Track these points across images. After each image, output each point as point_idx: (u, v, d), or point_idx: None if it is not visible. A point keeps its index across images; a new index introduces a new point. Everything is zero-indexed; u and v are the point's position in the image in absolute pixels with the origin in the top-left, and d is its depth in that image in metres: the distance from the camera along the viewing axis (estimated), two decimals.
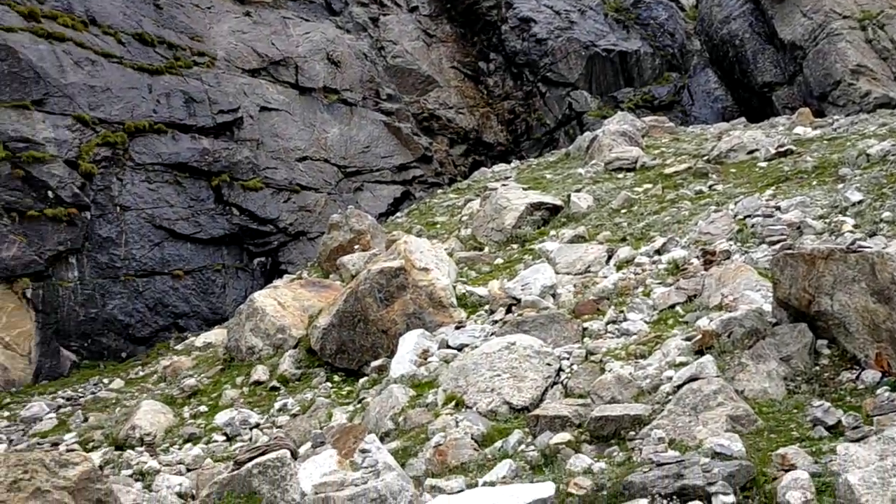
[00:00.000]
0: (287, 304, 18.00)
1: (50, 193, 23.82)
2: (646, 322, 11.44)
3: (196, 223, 27.11)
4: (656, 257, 14.30)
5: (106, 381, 20.97)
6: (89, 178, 25.12)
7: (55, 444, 14.12)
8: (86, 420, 16.49)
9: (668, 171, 21.13)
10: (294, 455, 8.92)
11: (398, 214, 30.92)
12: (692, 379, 8.31)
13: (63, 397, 19.60)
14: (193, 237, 26.93)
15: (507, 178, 27.85)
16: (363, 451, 8.40)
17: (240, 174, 28.64)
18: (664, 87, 38.78)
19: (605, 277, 14.08)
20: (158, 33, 29.83)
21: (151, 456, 12.80)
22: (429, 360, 12.59)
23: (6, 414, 18.72)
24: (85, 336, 23.80)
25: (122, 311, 24.63)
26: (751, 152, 21.07)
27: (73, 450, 12.81)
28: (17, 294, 22.49)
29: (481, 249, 19.27)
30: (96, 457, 12.45)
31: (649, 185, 20.24)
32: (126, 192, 25.97)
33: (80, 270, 24.28)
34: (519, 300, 13.64)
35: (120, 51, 28.10)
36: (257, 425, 13.68)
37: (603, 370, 9.99)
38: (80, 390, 20.35)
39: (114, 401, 18.10)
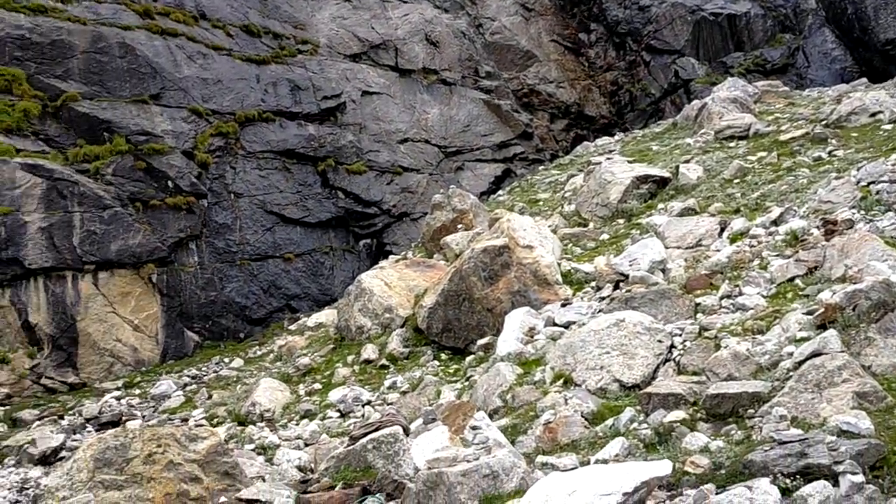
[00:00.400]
0: (393, 285, 18.33)
1: (170, 183, 25.11)
2: (763, 296, 10.97)
3: (304, 207, 27.98)
4: (773, 228, 13.67)
5: (226, 360, 22.03)
6: (205, 167, 26.32)
7: (184, 420, 14.95)
8: (210, 397, 17.40)
9: (783, 137, 20.11)
10: (406, 431, 9.12)
11: (500, 192, 30.84)
12: (815, 354, 7.93)
13: (188, 376, 20.74)
14: (302, 221, 27.82)
15: (610, 151, 27.26)
16: (473, 427, 8.49)
17: (344, 158, 29.30)
18: (777, 50, 36.80)
19: (718, 251, 13.58)
20: (264, 24, 30.79)
21: (271, 431, 13.38)
22: (535, 337, 12.54)
23: (137, 392, 19.99)
24: (206, 318, 25.00)
25: (238, 293, 25.74)
26: (873, 115, 19.75)
27: (200, 425, 13.53)
28: (143, 279, 23.89)
29: (586, 225, 18.98)
30: (221, 432, 13.11)
31: (763, 154, 19.32)
32: (239, 180, 27.06)
33: (200, 255, 25.50)
34: (627, 276, 13.36)
35: (229, 43, 29.20)
36: (369, 402, 14.05)
37: (718, 346, 9.66)
38: (203, 369, 21.47)
39: (235, 379, 19.00)
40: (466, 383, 13.07)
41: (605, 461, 7.88)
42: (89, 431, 15.84)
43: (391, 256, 25.41)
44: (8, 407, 20.14)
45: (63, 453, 14.11)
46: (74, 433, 15.72)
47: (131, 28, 26.84)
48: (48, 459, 13.96)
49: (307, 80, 29.89)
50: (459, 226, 20.90)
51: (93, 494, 7.12)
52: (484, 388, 11.61)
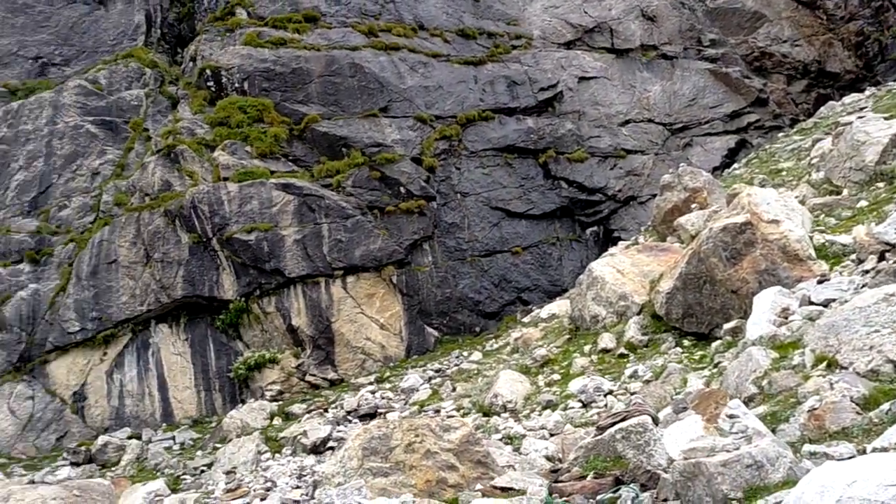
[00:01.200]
0: (626, 271, 17.89)
1: (402, 189, 26.56)
2: None
3: (528, 200, 28.24)
4: None
5: (465, 353, 22.83)
6: (432, 171, 27.52)
7: (437, 411, 15.70)
8: (454, 389, 18.13)
9: None
10: (655, 421, 8.85)
11: (735, 166, 28.98)
12: None
13: (432, 369, 21.77)
14: (527, 214, 28.10)
15: (861, 108, 24.53)
16: (730, 416, 8.02)
17: (564, 147, 29.15)
18: None
19: None
20: (478, 25, 31.53)
21: (516, 421, 13.64)
22: (790, 318, 11.58)
23: (388, 386, 21.35)
24: (443, 314, 26.08)
25: (471, 289, 26.58)
26: None
27: (451, 416, 14.12)
28: (385, 280, 25.49)
29: (839, 193, 17.22)
30: (468, 422, 13.59)
31: None
32: (464, 179, 27.96)
33: (433, 255, 26.68)
34: (893, 245, 11.92)
35: (446, 49, 30.27)
36: (610, 392, 13.84)
37: None
38: (445, 363, 22.43)
39: (475, 371, 19.63)
40: (715, 370, 12.42)
41: (884, 449, 7.10)
42: (352, 423, 17.18)
43: (621, 243, 24.83)
44: (280, 402, 22.45)
45: (330, 443, 15.44)
46: (338, 424, 17.13)
47: (359, 48, 28.76)
48: (318, 449, 15.35)
49: (523, 75, 30.14)
50: (693, 205, 19.92)
51: (363, 480, 7.71)
52: (735, 375, 10.96)
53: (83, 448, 20.51)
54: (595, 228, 28.73)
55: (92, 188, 27.03)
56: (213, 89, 28.49)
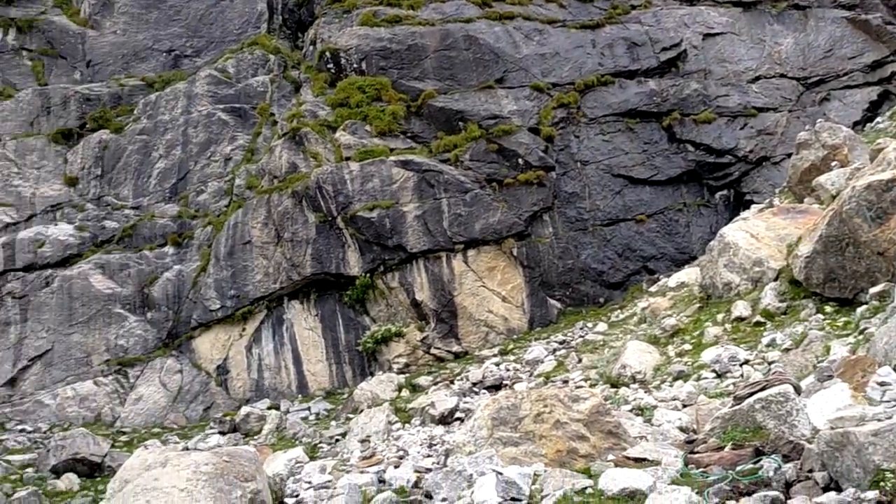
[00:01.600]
0: (760, 236, 17.06)
1: (520, 161, 26.36)
2: None
3: (652, 166, 27.35)
4: None
5: (590, 324, 22.52)
6: (550, 140, 27.13)
7: (565, 382, 15.61)
8: (580, 361, 17.94)
9: None
10: (797, 390, 8.42)
11: (878, 120, 26.90)
12: None
13: (556, 341, 21.62)
14: (651, 180, 27.23)
15: None
16: (880, 384, 7.53)
17: (689, 109, 27.98)
18: None
19: None
20: None
21: (646, 392, 13.35)
22: None
23: (512, 358, 21.39)
24: (565, 285, 25.79)
25: (594, 259, 26.12)
26: None
27: (580, 387, 14.00)
28: (505, 253, 25.46)
29: None
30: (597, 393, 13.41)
31: None
32: (583, 148, 27.40)
33: (554, 226, 26.37)
34: None
35: (562, 14, 29.63)
36: (746, 361, 13.30)
37: None
38: (569, 334, 22.22)
39: (601, 343, 19.35)
40: (860, 337, 11.67)
41: None
42: (478, 394, 17.37)
43: (753, 206, 23.69)
44: (407, 374, 22.99)
45: (458, 414, 15.67)
46: (464, 396, 17.35)
47: (473, 20, 28.62)
48: (446, 419, 15.62)
49: (643, 35, 29.09)
50: (833, 163, 18.68)
51: (494, 449, 7.77)
52: (884, 341, 10.24)
53: (228, 418, 21.81)
54: (725, 192, 27.48)
55: (225, 173, 28.44)
56: (332, 71, 29.22)
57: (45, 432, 23.12)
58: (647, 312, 19.74)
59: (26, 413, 24.17)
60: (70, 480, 18.97)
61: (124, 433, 23.00)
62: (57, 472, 19.46)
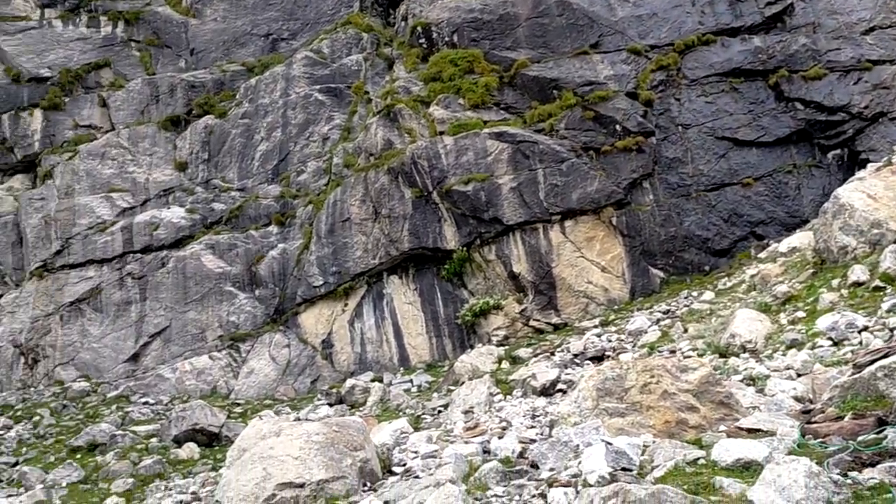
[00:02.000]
0: (878, 196, 16.07)
1: (617, 127, 25.71)
2: None
3: (758, 127, 26.14)
4: None
5: (695, 293, 21.85)
6: (649, 104, 26.31)
7: (672, 352, 15.25)
8: (686, 331, 17.46)
9: None
10: None
11: None
12: None
13: (659, 311, 21.10)
14: (758, 142, 26.04)
15: None
16: None
17: (798, 65, 26.51)
18: None
19: None
20: None
21: (757, 362, 12.87)
22: None
23: (614, 329, 21.04)
24: (668, 254, 25.09)
25: (698, 226, 25.27)
26: None
27: (688, 357, 13.64)
28: (604, 223, 24.99)
29: None
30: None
31: None
32: (684, 111, 26.45)
33: (654, 193, 25.65)
34: None
35: None
36: (865, 328, 12.61)
37: None
38: (672, 304, 21.64)
39: (707, 311, 18.75)
40: None
41: None
42: (579, 366, 17.20)
43: (870, 165, 22.26)
44: (507, 347, 23.02)
45: (559, 385, 15.57)
46: (566, 367, 17.21)
47: None
48: (548, 391, 15.55)
49: None
50: None
51: (600, 420, 7.67)
52: None
53: (334, 390, 22.48)
54: (838, 152, 25.98)
55: (323, 152, 29.08)
56: (424, 46, 29.26)
57: (166, 404, 24.54)
58: (757, 279, 18.98)
59: (148, 386, 25.70)
60: (191, 449, 20.09)
61: (238, 405, 24.12)
62: (178, 441, 20.64)
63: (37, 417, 23.71)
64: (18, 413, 24.33)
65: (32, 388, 26.47)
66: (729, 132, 26.07)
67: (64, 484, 18.54)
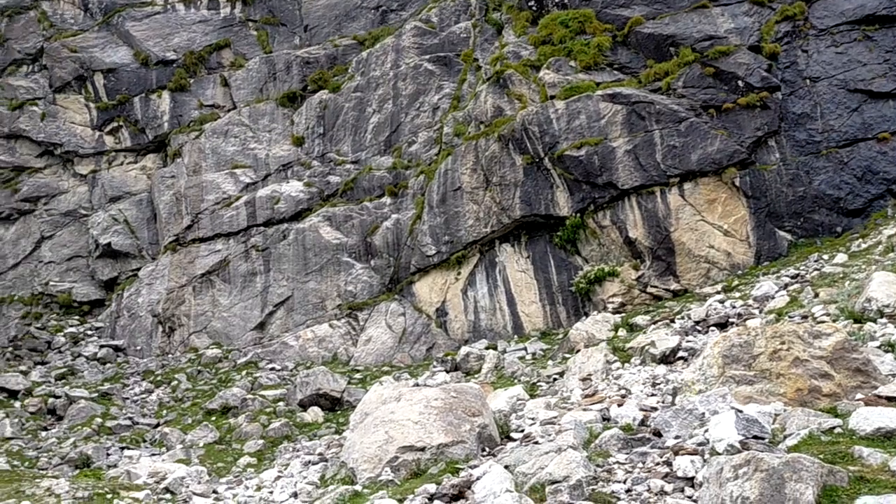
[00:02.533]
0: None
1: (739, 83, 24.44)
2: None
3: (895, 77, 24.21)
4: None
5: (826, 256, 20.66)
6: (774, 58, 24.84)
7: (804, 318, 14.50)
8: (816, 296, 16.54)
9: None
10: None
11: None
12: None
13: (787, 276, 20.06)
14: (895, 93, 24.12)
15: None
16: None
17: None
18: None
19: None
20: None
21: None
22: None
23: (738, 294, 20.19)
24: (796, 215, 23.79)
25: (829, 185, 23.79)
26: None
27: (820, 322, 12.94)
28: (726, 184, 23.92)
29: None
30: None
31: None
32: (813, 63, 24.82)
33: (781, 152, 24.31)
34: None
35: None
36: None
37: None
38: (802, 268, 20.53)
39: (840, 275, 17.69)
40: None
41: None
42: (701, 333, 16.65)
43: None
44: (623, 314, 22.57)
45: (680, 353, 15.14)
46: (687, 335, 16.69)
47: None
48: (668, 359, 15.15)
49: None
50: None
51: (727, 388, 7.39)
52: None
53: (449, 357, 22.81)
54: None
55: (434, 122, 29.23)
56: (534, 8, 28.73)
57: (291, 370, 25.69)
58: (895, 240, 17.71)
59: (274, 353, 26.95)
60: (315, 413, 20.96)
61: (358, 371, 24.92)
62: (303, 405, 21.58)
63: (175, 382, 25.39)
64: (158, 378, 26.13)
65: (170, 355, 28.33)
66: (862, 84, 24.26)
67: (201, 444, 19.80)
